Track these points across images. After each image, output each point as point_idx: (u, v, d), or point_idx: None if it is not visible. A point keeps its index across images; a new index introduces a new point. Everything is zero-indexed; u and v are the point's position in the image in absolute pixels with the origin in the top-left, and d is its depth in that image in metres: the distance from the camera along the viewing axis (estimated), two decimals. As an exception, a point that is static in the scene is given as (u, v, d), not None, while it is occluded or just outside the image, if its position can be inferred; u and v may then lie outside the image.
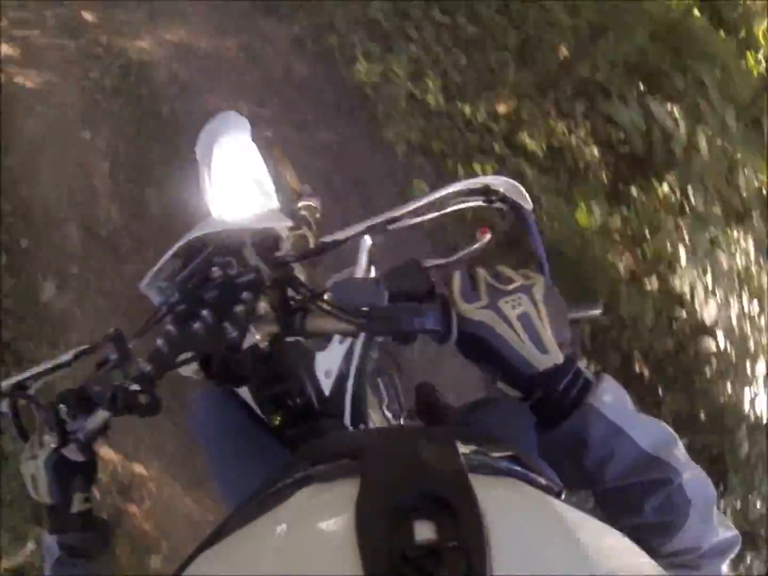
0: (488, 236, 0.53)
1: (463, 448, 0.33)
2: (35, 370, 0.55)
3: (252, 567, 0.26)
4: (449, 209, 0.50)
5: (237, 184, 0.85)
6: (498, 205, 0.50)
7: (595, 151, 2.39)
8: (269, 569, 0.25)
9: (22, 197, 2.52)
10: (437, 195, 0.49)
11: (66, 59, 3.12)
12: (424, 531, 0.25)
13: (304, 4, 2.63)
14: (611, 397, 0.45)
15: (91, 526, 0.57)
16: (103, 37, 3.05)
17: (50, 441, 0.52)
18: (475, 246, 0.53)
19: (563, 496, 0.32)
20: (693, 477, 0.44)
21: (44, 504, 0.55)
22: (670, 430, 0.46)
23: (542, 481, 0.35)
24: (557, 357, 0.45)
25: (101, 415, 0.51)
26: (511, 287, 0.45)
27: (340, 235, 0.52)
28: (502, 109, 2.38)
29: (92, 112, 2.69)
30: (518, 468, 0.35)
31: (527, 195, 0.50)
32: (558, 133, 2.37)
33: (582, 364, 0.45)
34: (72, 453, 0.52)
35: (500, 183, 0.50)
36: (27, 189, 2.57)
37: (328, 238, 0.53)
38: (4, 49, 3.32)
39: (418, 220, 0.50)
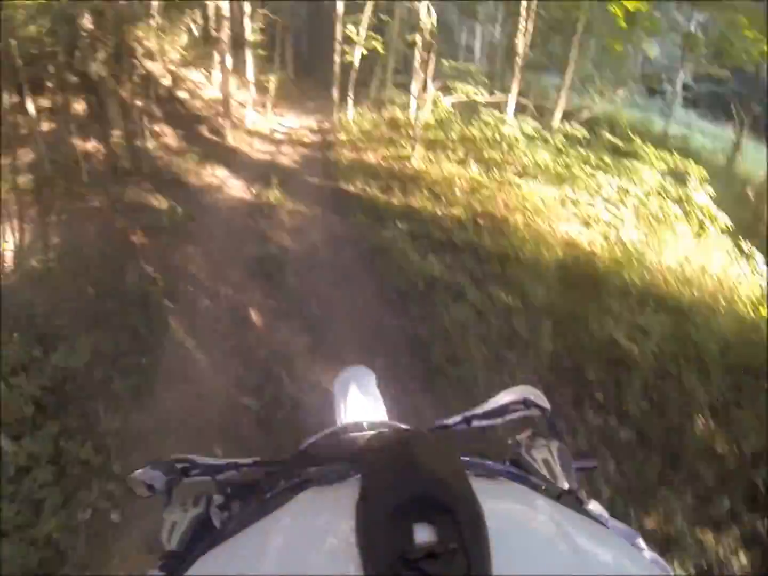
0: (529, 431, 0.72)
1: (463, 451, 0.36)
2: (212, 461, 0.63)
3: (254, 568, 0.28)
4: (508, 419, 0.70)
5: (364, 411, 1.22)
6: (534, 412, 0.70)
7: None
8: (271, 570, 0.27)
9: (134, 468, 2.42)
10: (496, 404, 0.69)
11: (225, 355, 3.37)
12: (424, 533, 0.26)
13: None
14: (594, 508, 0.59)
15: None
16: (262, 352, 3.30)
17: (211, 501, 0.62)
18: (519, 437, 0.72)
19: (562, 499, 0.34)
20: (652, 558, 0.52)
21: (167, 548, 0.61)
22: (634, 529, 0.57)
23: (542, 483, 0.39)
24: (564, 485, 0.65)
25: None
26: (538, 443, 0.68)
27: (444, 422, 0.69)
28: (650, 525, 2.21)
29: (232, 432, 2.69)
30: (517, 471, 0.41)
31: (545, 398, 0.71)
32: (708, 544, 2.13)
33: (582, 493, 0.61)
34: (217, 519, 0.61)
35: (530, 392, 0.69)
36: (142, 463, 2.48)
37: (436, 424, 0.72)
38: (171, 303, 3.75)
39: (485, 423, 0.70)
